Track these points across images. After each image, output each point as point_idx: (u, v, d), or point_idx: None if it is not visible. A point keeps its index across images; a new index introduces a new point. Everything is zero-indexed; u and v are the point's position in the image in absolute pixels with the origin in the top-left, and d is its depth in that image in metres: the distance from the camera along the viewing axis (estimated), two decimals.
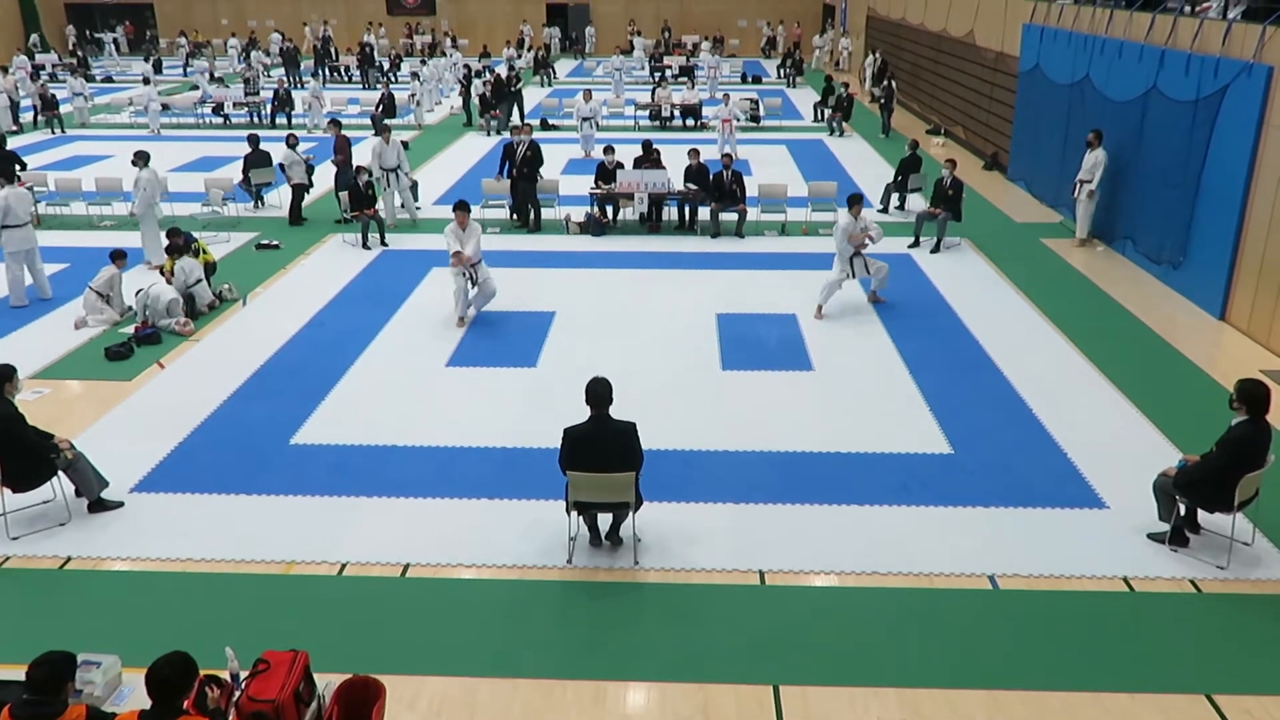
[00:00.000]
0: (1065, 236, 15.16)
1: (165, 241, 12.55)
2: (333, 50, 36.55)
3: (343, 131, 17.12)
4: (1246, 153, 11.08)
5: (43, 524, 7.41)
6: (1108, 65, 14.63)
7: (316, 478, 8.10)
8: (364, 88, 32.39)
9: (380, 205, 15.16)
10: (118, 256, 11.75)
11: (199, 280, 11.92)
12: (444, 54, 37.85)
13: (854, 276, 11.93)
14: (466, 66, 29.21)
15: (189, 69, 32.40)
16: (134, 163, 13.67)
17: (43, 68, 33.87)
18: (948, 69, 24.28)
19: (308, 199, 16.47)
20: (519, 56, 34.66)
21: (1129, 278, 13.23)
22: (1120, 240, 14.25)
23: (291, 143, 15.91)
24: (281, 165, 16.24)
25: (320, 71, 34.88)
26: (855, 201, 11.88)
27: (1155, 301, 12.29)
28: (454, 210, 11.62)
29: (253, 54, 35.00)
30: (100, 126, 25.89)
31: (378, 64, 34.81)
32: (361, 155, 17.26)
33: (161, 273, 11.92)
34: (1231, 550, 6.97)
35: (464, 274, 11.50)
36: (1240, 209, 11.22)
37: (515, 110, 25.21)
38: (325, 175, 17.46)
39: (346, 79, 35.34)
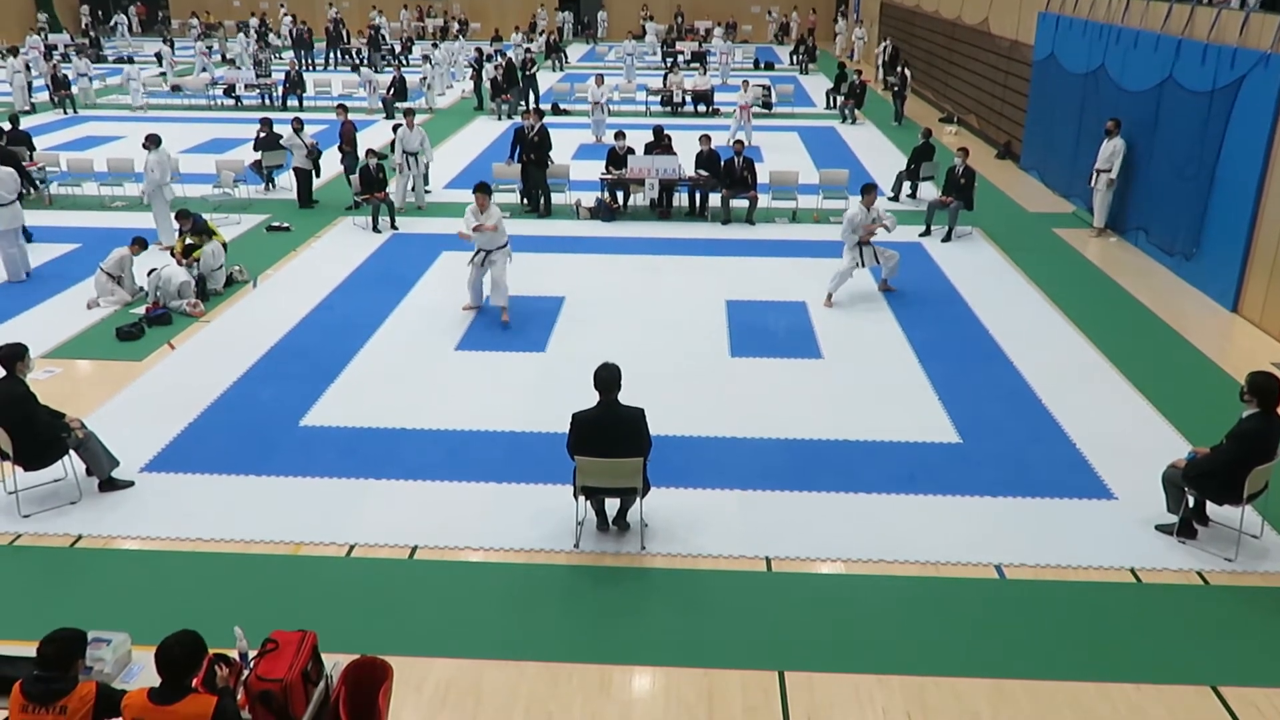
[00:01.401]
0: (1078, 226, 15.09)
1: (175, 224, 12.60)
2: (344, 33, 36.50)
3: (349, 117, 17.05)
4: (1262, 144, 11.00)
5: (54, 502, 7.46)
6: (1123, 55, 14.53)
7: (326, 459, 8.13)
8: (377, 70, 32.35)
9: (392, 188, 15.16)
10: (137, 243, 11.81)
11: (220, 266, 12.00)
12: (455, 38, 37.76)
13: (864, 265, 11.89)
14: (478, 50, 29.14)
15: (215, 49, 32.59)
16: (145, 146, 13.71)
17: (55, 48, 33.89)
18: (962, 57, 24.14)
19: (318, 182, 16.47)
20: (528, 41, 34.56)
21: (1141, 269, 13.17)
22: (1133, 231, 14.17)
23: (296, 126, 15.89)
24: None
25: (331, 55, 34.82)
26: (868, 191, 11.78)
27: (1167, 293, 12.23)
28: (473, 192, 11.08)
29: (269, 36, 35.00)
30: (113, 107, 25.90)
31: (389, 45, 34.72)
32: (369, 140, 17.28)
33: (172, 254, 11.95)
34: (1240, 543, 6.95)
35: (479, 261, 11.14)
36: (1254, 201, 11.14)
37: (530, 94, 25.22)
38: (333, 160, 17.43)
39: (359, 62, 35.31)
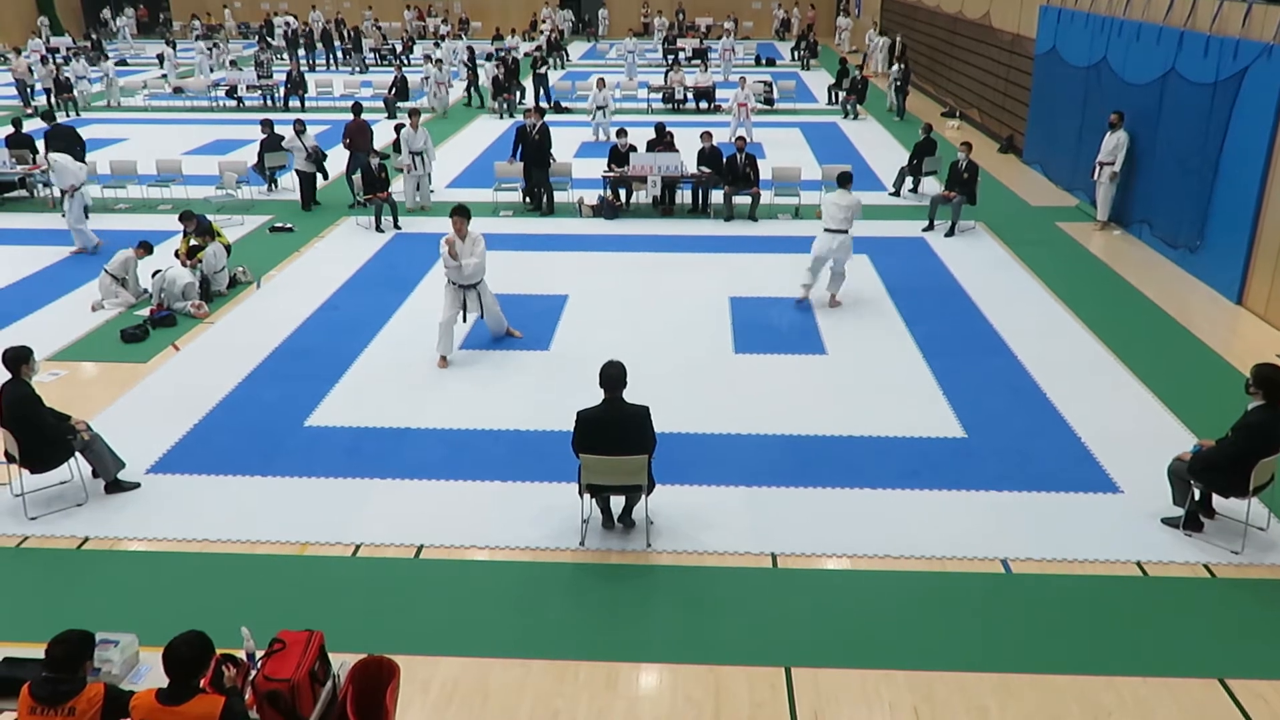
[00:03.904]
0: (1081, 220, 15.07)
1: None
2: (345, 33, 36.51)
3: (361, 116, 16.96)
4: (1265, 136, 10.97)
5: (60, 504, 7.48)
6: (1125, 47, 14.50)
7: (331, 459, 8.14)
8: (351, 72, 32.47)
9: (396, 188, 15.15)
10: (143, 246, 11.83)
11: (223, 267, 12.02)
12: (457, 37, 37.77)
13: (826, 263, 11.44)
14: (470, 49, 28.95)
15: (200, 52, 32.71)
16: (47, 146, 13.80)
17: (56, 50, 33.92)
18: (964, 51, 24.10)
19: (323, 183, 16.43)
20: (529, 40, 34.54)
21: (1145, 261, 13.14)
22: (1137, 224, 14.15)
23: (298, 128, 15.78)
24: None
25: (330, 56, 34.83)
26: (845, 180, 11.51)
27: (1171, 286, 12.21)
28: (451, 215, 9.90)
29: (269, 38, 35.05)
30: (115, 109, 25.92)
31: (389, 46, 34.70)
32: (379, 139, 17.25)
33: (176, 255, 11.97)
34: (1246, 535, 6.94)
35: (460, 297, 9.95)
36: (1258, 193, 11.12)
37: (540, 92, 25.33)
38: (340, 161, 17.43)
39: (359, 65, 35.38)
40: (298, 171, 15.90)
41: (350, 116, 16.96)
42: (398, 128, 16.09)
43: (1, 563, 6.87)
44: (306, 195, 15.96)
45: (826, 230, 11.34)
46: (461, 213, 9.84)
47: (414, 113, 15.96)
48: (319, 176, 16.15)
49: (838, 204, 11.28)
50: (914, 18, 29.20)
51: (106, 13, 43.66)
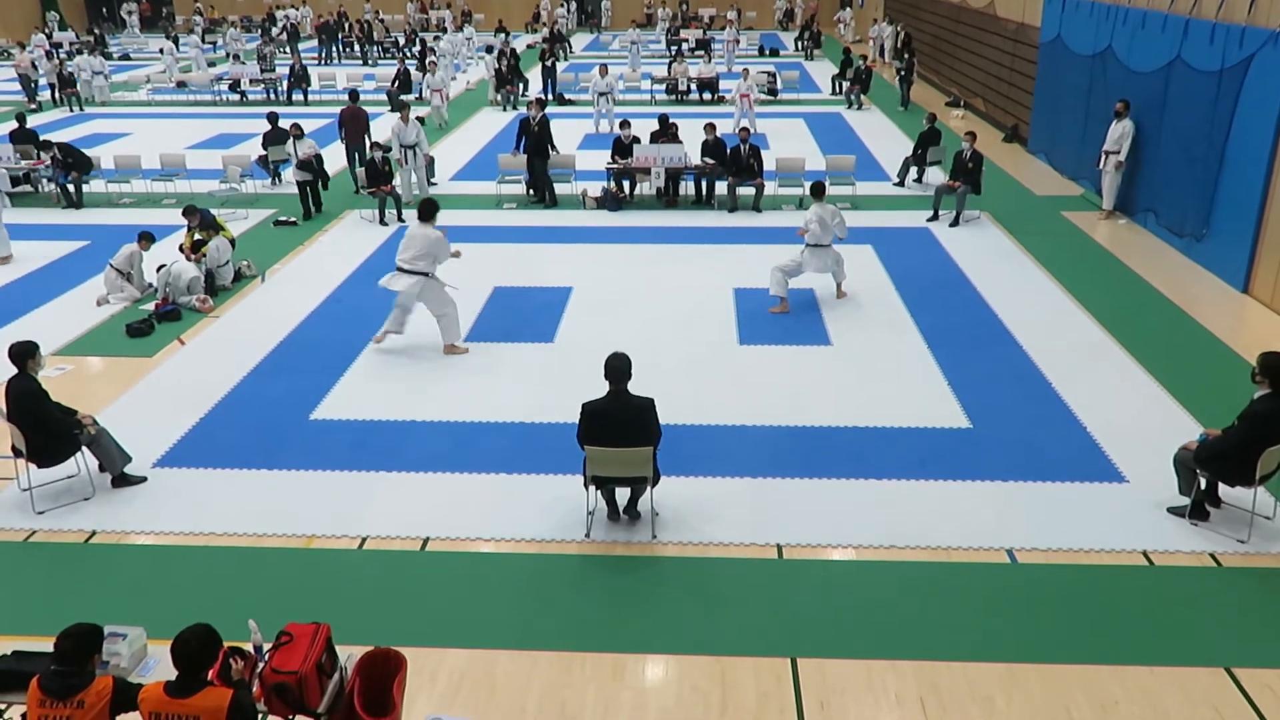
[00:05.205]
0: (1086, 209, 15.02)
1: None
2: (347, 25, 36.47)
3: (358, 103, 16.87)
4: (1271, 123, 10.91)
5: (68, 499, 7.50)
6: (1130, 35, 14.43)
7: (336, 452, 8.16)
8: (363, 63, 32.46)
9: (397, 181, 15.15)
10: (144, 237, 11.85)
11: (227, 261, 12.03)
12: (460, 29, 37.72)
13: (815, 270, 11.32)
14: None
15: (205, 45, 32.73)
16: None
17: (60, 45, 33.93)
18: (968, 40, 24.01)
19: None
20: (528, 33, 34.49)
21: (1151, 250, 13.10)
22: (1142, 213, 14.10)
23: (296, 133, 15.33)
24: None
25: (330, 49, 34.77)
26: (819, 192, 11.26)
27: (1177, 274, 12.17)
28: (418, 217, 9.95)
29: (270, 30, 35.05)
30: (119, 104, 25.94)
31: (393, 38, 34.66)
32: (379, 132, 17.24)
33: (181, 250, 11.98)
34: (1252, 524, 6.93)
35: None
36: (1265, 181, 11.07)
37: (548, 84, 25.32)
38: (337, 159, 17.40)
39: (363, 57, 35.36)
40: (296, 180, 15.70)
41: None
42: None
43: (10, 557, 6.90)
44: (305, 202, 15.19)
45: (818, 246, 11.06)
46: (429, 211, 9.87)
47: (405, 107, 15.94)
48: (319, 184, 15.49)
49: (822, 218, 11.00)
50: (918, 6, 29.10)
51: (125, 8, 43.68)
